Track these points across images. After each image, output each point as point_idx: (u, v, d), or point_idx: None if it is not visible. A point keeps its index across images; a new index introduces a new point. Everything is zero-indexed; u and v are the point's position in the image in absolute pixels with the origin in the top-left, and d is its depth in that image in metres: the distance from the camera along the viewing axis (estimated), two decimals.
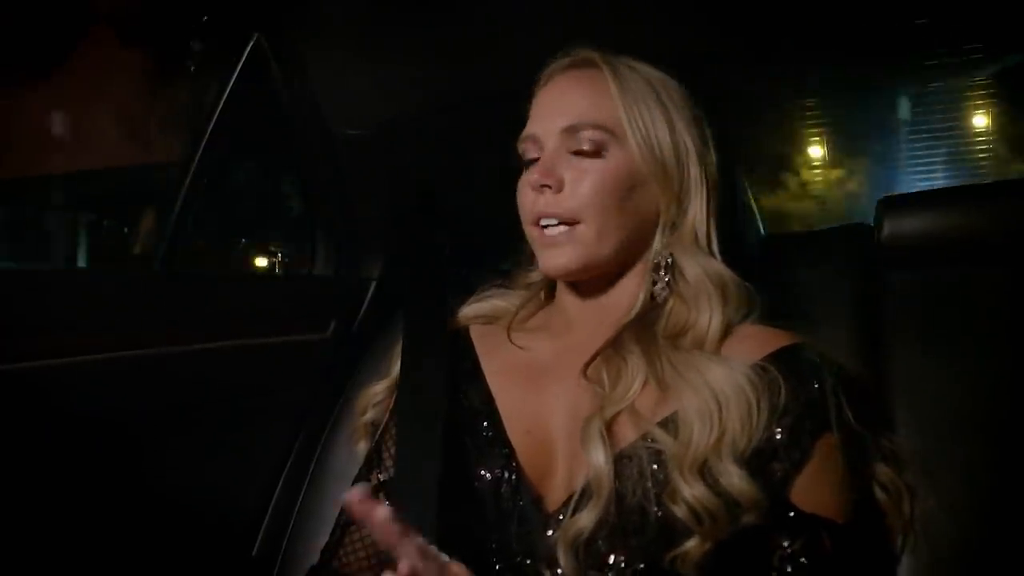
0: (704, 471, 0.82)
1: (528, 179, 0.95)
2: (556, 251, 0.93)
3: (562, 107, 0.95)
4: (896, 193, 1.16)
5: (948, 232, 1.11)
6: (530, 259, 1.09)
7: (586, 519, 0.83)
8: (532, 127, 0.97)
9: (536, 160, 0.96)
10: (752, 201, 1.29)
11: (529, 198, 0.95)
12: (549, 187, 0.92)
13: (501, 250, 1.11)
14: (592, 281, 0.97)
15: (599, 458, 0.84)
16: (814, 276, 1.10)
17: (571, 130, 0.93)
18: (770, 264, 0.98)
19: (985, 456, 0.99)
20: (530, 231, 0.96)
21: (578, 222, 0.91)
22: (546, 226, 0.93)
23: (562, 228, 0.92)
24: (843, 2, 1.23)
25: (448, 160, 1.60)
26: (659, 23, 1.15)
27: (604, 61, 0.96)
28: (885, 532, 0.95)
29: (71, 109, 1.24)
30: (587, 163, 0.92)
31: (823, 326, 0.96)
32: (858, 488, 0.90)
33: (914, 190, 2.63)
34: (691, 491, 0.80)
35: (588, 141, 0.92)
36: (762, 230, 1.32)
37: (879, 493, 0.94)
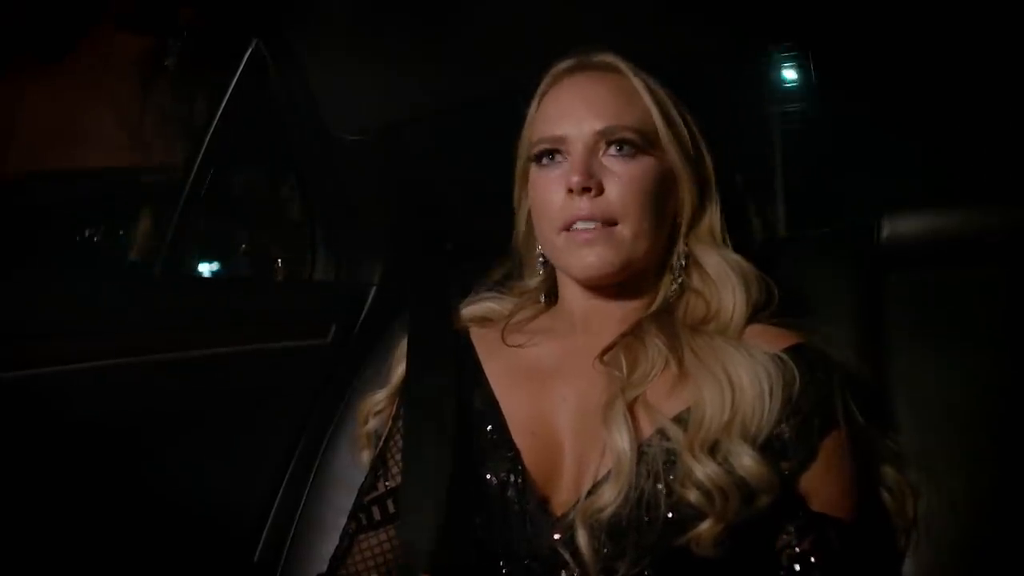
0: (715, 452, 0.83)
1: (560, 181, 0.93)
2: (591, 251, 0.91)
3: (593, 108, 0.94)
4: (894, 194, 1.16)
5: (946, 232, 1.11)
6: (520, 272, 1.09)
7: (608, 495, 0.83)
8: (559, 127, 0.94)
9: (555, 159, 0.95)
10: (751, 203, 1.29)
11: (559, 201, 0.93)
12: (589, 190, 0.90)
13: (501, 252, 1.12)
14: (609, 284, 0.97)
15: (623, 440, 0.84)
16: (814, 277, 1.11)
17: (607, 132, 0.93)
18: (771, 265, 0.99)
19: (985, 454, 0.99)
20: (555, 238, 0.94)
21: (616, 223, 0.91)
22: (579, 228, 0.91)
23: (599, 227, 0.91)
24: None
25: (447, 164, 1.60)
26: (660, 27, 1.15)
27: (628, 66, 0.97)
28: (890, 532, 0.95)
29: (71, 105, 1.24)
30: (622, 165, 0.92)
31: (824, 326, 0.97)
32: (864, 488, 0.91)
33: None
34: (703, 469, 0.81)
35: (626, 144, 0.93)
36: (760, 231, 1.32)
37: (884, 493, 0.95)
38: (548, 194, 0.94)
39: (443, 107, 1.41)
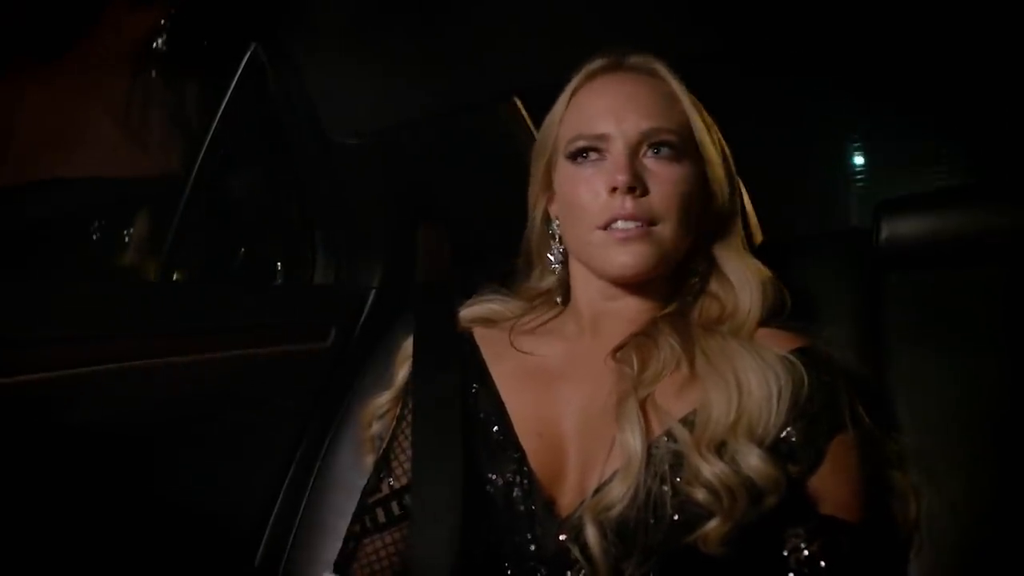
0: (722, 451, 0.83)
1: (599, 179, 0.92)
2: (627, 249, 0.91)
3: (636, 108, 0.93)
4: (893, 196, 1.16)
5: (945, 233, 1.11)
6: (527, 274, 1.09)
7: (616, 492, 0.83)
8: (599, 125, 0.94)
9: (589, 156, 0.94)
10: (750, 206, 1.29)
11: (599, 200, 0.92)
12: (634, 190, 0.90)
13: (501, 252, 1.12)
14: (631, 285, 0.97)
15: (635, 438, 0.84)
16: (814, 277, 1.11)
17: (651, 133, 0.92)
18: (772, 267, 0.99)
19: (985, 455, 0.99)
20: (590, 235, 0.93)
21: (656, 223, 0.91)
22: (618, 228, 0.91)
23: (639, 227, 0.91)
24: None
25: (445, 166, 1.60)
26: (659, 28, 1.15)
27: (666, 69, 0.97)
28: (893, 534, 0.95)
29: (68, 108, 1.23)
30: (663, 167, 0.93)
31: (824, 327, 0.97)
32: (871, 490, 0.91)
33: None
34: (711, 468, 0.81)
35: (666, 146, 0.93)
36: (760, 234, 1.32)
37: (887, 495, 0.95)
38: (586, 192, 0.94)
39: (441, 110, 1.41)
